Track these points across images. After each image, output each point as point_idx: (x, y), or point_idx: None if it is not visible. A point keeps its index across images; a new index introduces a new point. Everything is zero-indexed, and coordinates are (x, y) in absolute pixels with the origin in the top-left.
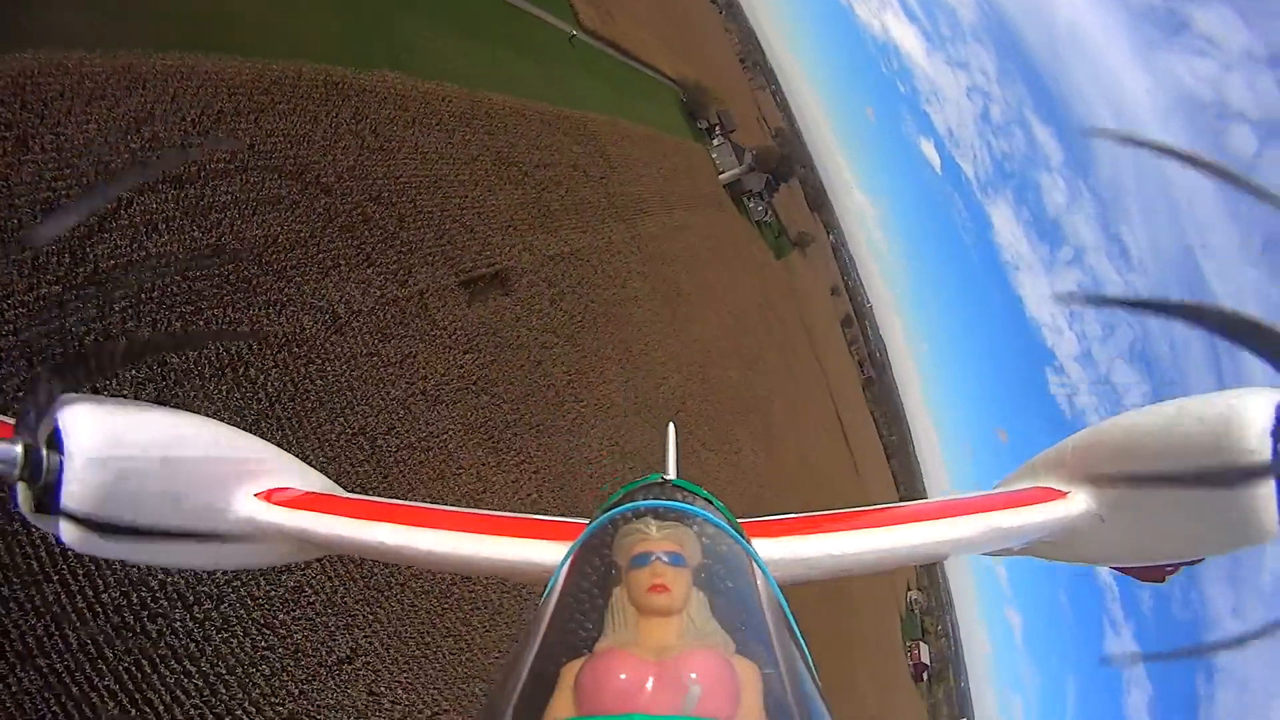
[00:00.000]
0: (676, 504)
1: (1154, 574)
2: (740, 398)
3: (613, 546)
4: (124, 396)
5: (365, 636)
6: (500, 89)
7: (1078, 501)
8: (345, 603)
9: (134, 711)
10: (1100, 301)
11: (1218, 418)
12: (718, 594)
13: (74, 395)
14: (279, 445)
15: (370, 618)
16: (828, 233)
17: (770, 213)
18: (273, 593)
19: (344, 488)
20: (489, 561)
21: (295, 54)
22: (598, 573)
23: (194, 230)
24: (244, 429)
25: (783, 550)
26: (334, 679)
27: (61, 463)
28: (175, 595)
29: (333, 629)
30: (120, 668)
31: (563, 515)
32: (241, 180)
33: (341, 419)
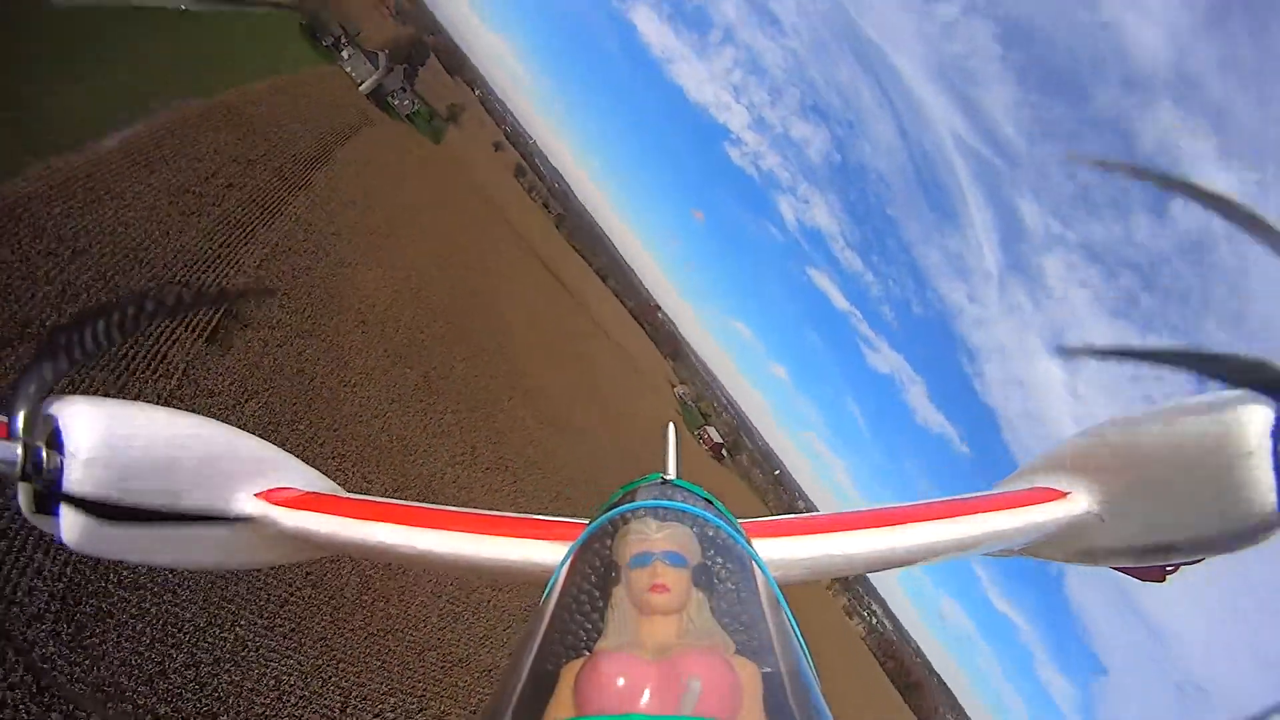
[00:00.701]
0: (676, 504)
1: (1154, 573)
2: (460, 301)
3: (613, 546)
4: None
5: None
6: (142, 113)
7: (1078, 502)
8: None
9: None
10: (1103, 354)
11: (1218, 417)
12: (718, 594)
13: (74, 396)
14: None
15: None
16: (473, 90)
17: (417, 101)
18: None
19: None
20: (489, 561)
21: None
22: (598, 573)
23: None
24: None
25: (783, 550)
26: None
27: (62, 462)
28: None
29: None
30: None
31: (559, 516)
32: None
33: None
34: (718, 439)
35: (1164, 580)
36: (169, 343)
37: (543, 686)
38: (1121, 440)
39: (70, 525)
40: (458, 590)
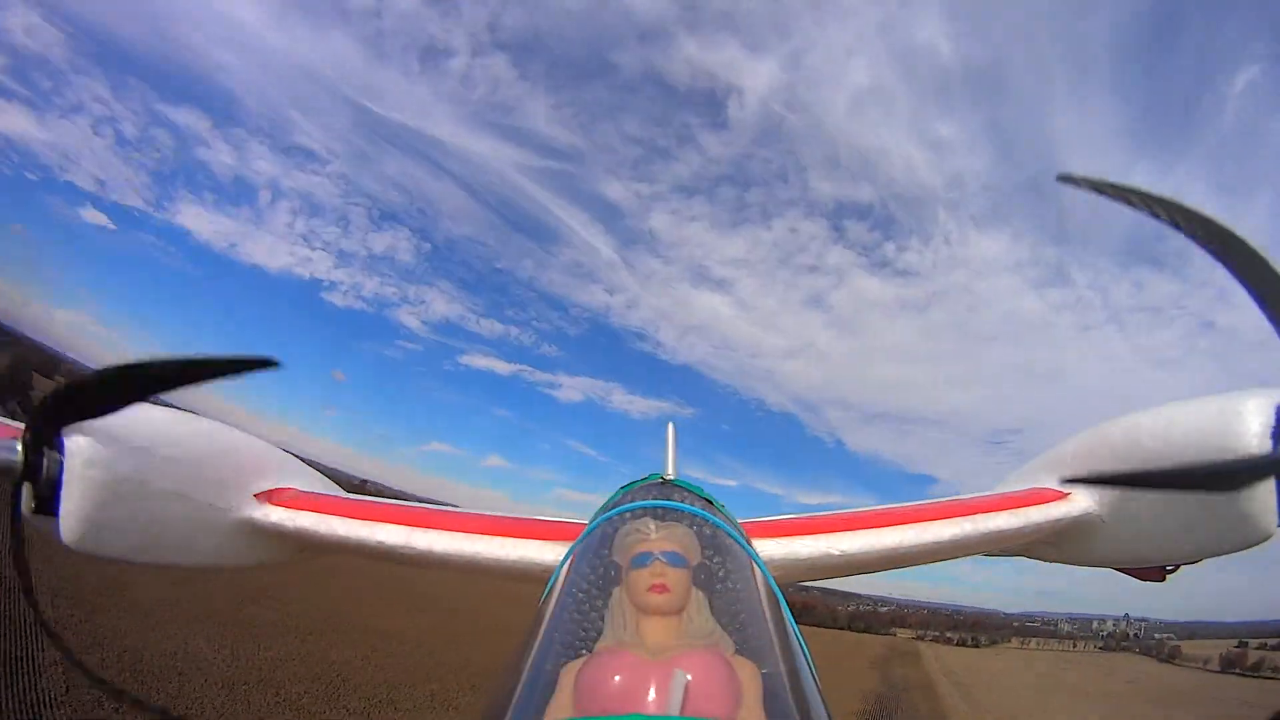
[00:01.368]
0: (676, 504)
1: (1154, 573)
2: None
3: (612, 546)
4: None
5: None
6: None
7: (1078, 502)
8: None
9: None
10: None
11: (1217, 418)
12: (717, 594)
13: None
14: None
15: None
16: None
17: None
18: None
19: None
20: (489, 561)
21: None
22: (597, 573)
23: None
24: None
25: (783, 550)
26: None
27: (61, 463)
28: None
29: None
30: None
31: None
32: None
33: None
34: None
35: (1164, 579)
36: None
37: (543, 686)
38: (1122, 441)
39: (70, 525)
40: None
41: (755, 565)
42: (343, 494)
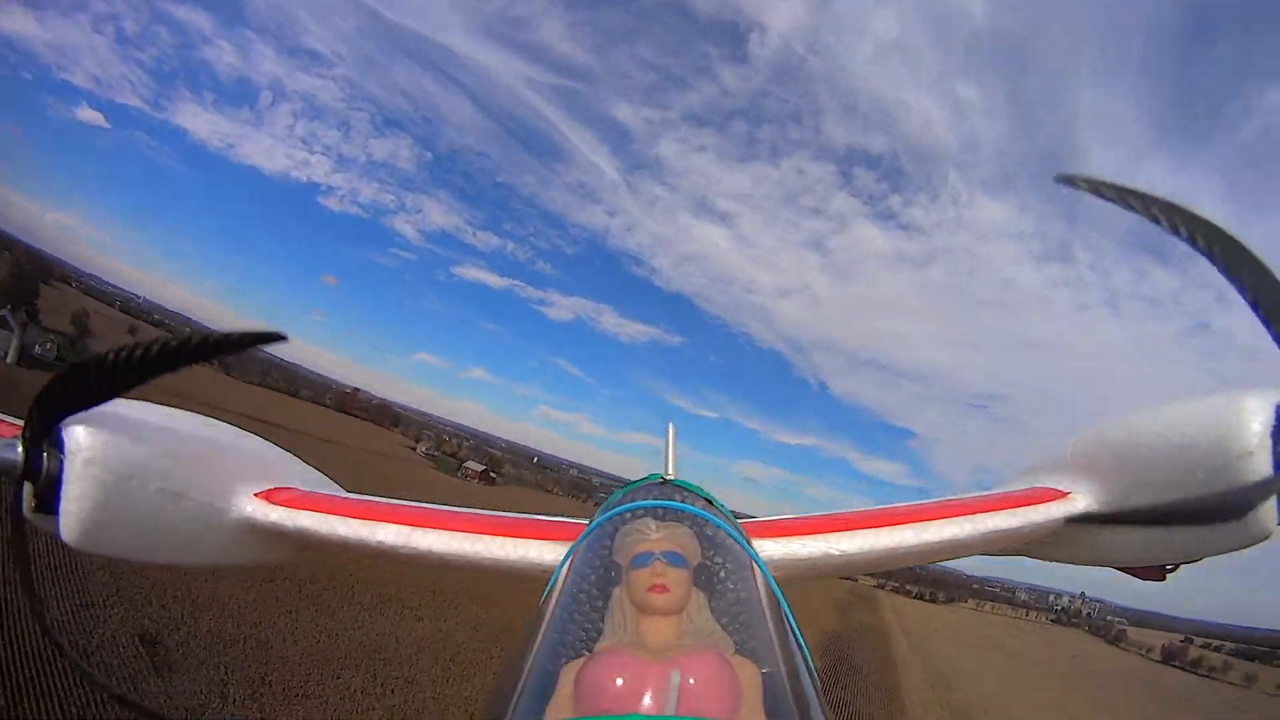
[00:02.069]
0: (676, 504)
1: (1154, 572)
2: None
3: (613, 546)
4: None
5: None
6: None
7: (1077, 502)
8: None
9: None
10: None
11: (1217, 419)
12: (718, 594)
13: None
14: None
15: None
16: (70, 284)
17: (50, 340)
18: None
19: None
20: (489, 561)
21: None
22: (597, 573)
23: None
24: None
25: (783, 550)
26: None
27: (62, 461)
28: None
29: None
30: None
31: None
32: None
33: None
34: (479, 468)
35: (1164, 579)
36: None
37: (543, 686)
38: (1121, 440)
39: (71, 524)
40: None
41: (755, 565)
42: (343, 494)
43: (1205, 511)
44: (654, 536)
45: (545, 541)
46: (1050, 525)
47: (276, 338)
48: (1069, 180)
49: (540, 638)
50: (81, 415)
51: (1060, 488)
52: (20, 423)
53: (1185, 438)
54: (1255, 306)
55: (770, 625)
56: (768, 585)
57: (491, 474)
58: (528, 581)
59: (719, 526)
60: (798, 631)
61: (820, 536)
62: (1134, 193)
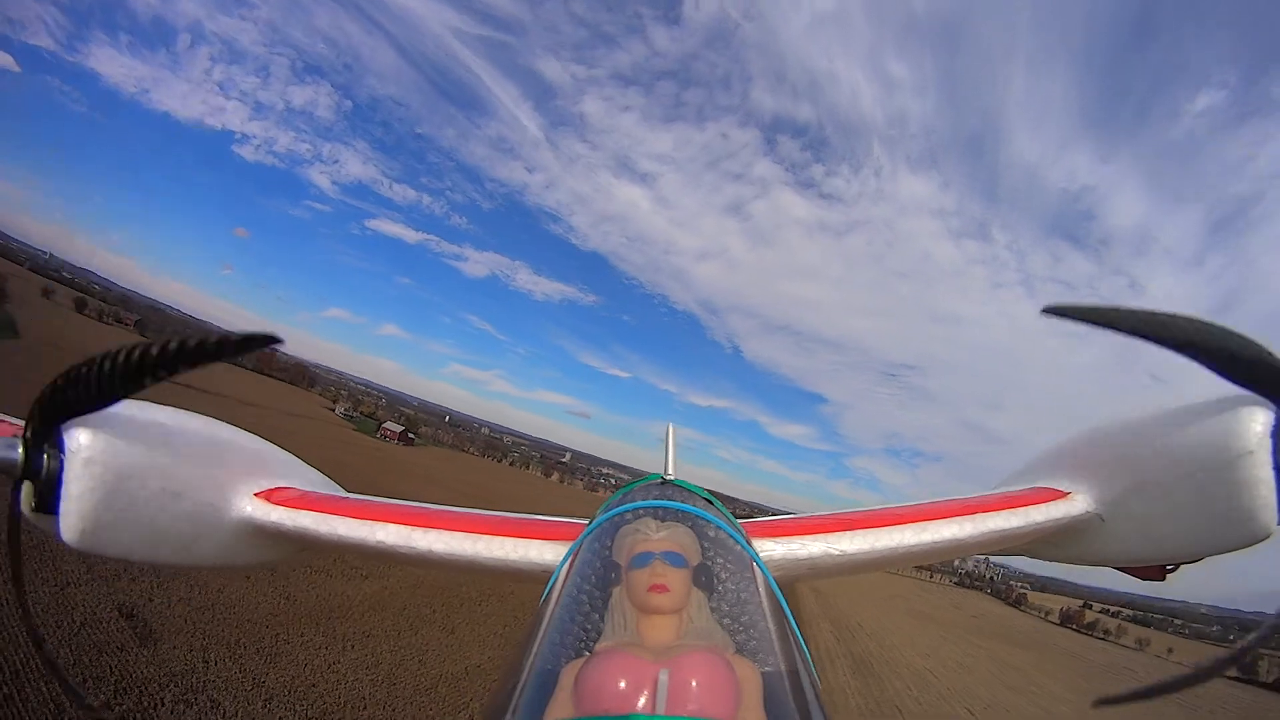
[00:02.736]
0: (676, 504)
1: (1154, 572)
2: None
3: (613, 546)
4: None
5: None
6: None
7: (1078, 502)
8: None
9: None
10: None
11: (1218, 418)
12: (717, 594)
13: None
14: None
15: None
16: None
17: None
18: None
19: None
20: (489, 561)
21: None
22: (597, 573)
23: None
24: None
25: (783, 550)
26: None
27: (62, 461)
28: None
29: None
30: None
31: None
32: None
33: None
34: (398, 429)
35: (1164, 579)
36: None
37: (543, 686)
38: (1122, 440)
39: (70, 524)
40: None
41: (755, 565)
42: (343, 494)
43: (1205, 511)
44: (654, 536)
45: (545, 541)
46: (1051, 525)
47: (274, 340)
48: (1059, 311)
49: (540, 638)
50: (82, 417)
51: (1061, 487)
52: (20, 423)
53: (1185, 437)
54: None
55: (770, 625)
56: (768, 585)
57: (410, 434)
58: (528, 582)
59: (719, 527)
60: (798, 631)
61: (820, 536)
62: (1119, 311)
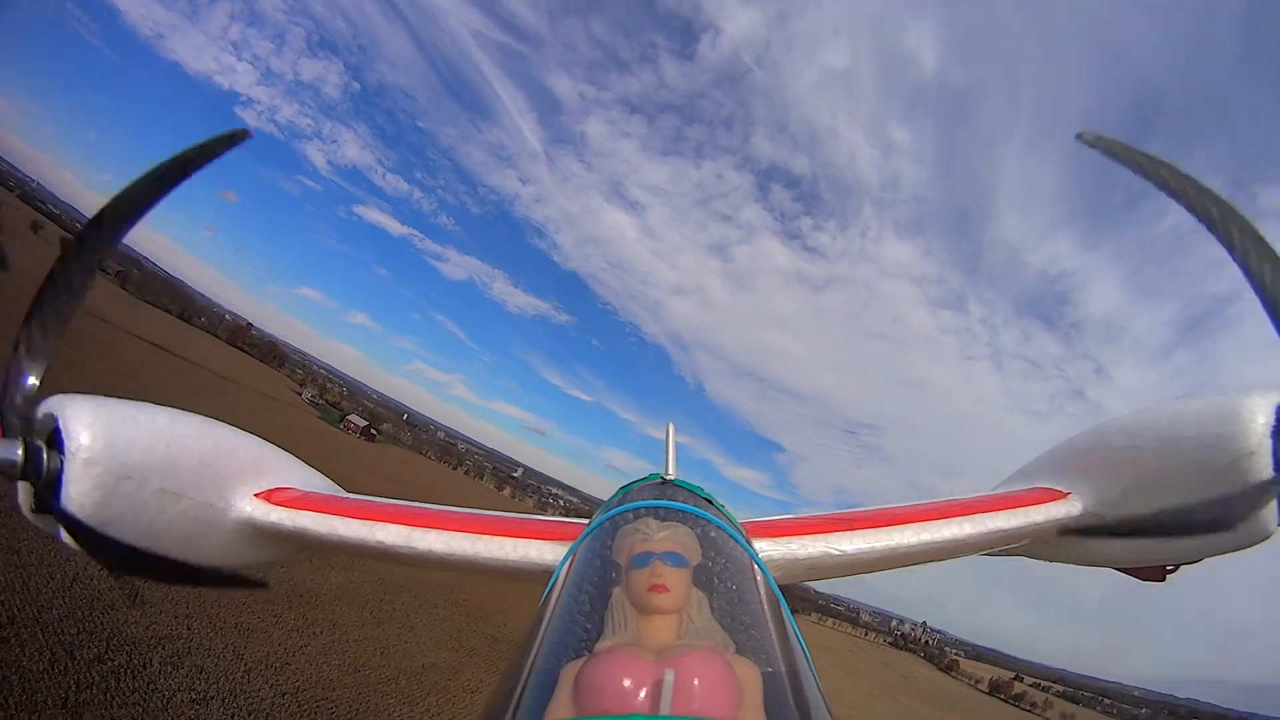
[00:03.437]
0: (677, 504)
1: (1154, 573)
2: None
3: (613, 546)
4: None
5: None
6: None
7: (1078, 502)
8: None
9: None
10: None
11: (1218, 418)
12: (718, 594)
13: (76, 395)
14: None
15: None
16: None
17: None
18: None
19: None
20: (489, 561)
21: None
22: (598, 573)
23: None
24: None
25: (783, 550)
26: None
27: (62, 462)
28: None
29: None
30: None
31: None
32: None
33: None
34: (362, 423)
35: (1164, 580)
36: None
37: (543, 686)
38: (1122, 441)
39: (70, 524)
40: None
41: (755, 565)
42: (343, 494)
43: (1206, 512)
44: (654, 536)
45: (545, 541)
46: (1050, 526)
47: (241, 135)
48: (1092, 142)
49: (540, 638)
50: (81, 418)
51: (1060, 488)
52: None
53: (1186, 438)
54: (1260, 291)
55: (770, 625)
56: (768, 585)
57: (372, 430)
58: (528, 581)
59: (719, 527)
60: (798, 631)
61: (820, 536)
62: (1149, 159)
